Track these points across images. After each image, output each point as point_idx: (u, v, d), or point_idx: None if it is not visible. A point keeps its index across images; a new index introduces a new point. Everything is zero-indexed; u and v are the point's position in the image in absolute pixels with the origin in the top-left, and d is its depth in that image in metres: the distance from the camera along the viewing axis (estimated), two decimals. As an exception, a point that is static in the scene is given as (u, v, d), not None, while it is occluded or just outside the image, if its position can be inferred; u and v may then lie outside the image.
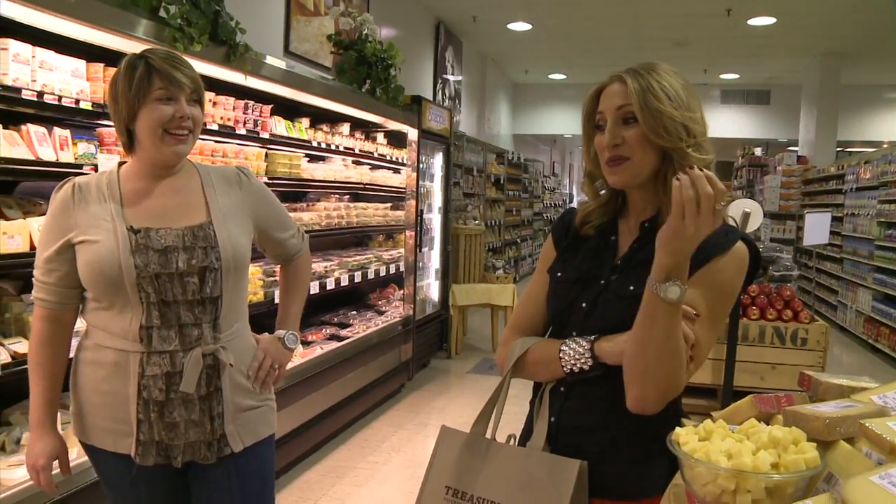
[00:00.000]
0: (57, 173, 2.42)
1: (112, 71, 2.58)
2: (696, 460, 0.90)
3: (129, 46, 2.59)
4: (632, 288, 1.27)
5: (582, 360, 1.27)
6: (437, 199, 6.40)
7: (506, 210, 11.38)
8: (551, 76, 13.51)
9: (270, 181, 3.68)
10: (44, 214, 2.41)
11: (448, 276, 6.56)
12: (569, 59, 11.74)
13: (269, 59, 3.45)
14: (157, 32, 2.51)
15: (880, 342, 7.22)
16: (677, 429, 1.01)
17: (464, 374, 6.08)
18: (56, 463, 1.67)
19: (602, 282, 1.34)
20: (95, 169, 2.46)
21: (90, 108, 2.43)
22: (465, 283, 6.69)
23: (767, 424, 1.02)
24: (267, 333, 1.82)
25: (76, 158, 2.44)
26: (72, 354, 1.68)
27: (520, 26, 9.39)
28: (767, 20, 8.74)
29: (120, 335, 1.57)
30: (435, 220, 6.38)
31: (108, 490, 1.70)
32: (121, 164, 1.68)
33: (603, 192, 1.40)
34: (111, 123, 2.56)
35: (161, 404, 1.57)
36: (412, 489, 3.69)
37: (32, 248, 2.25)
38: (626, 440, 1.29)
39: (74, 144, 2.45)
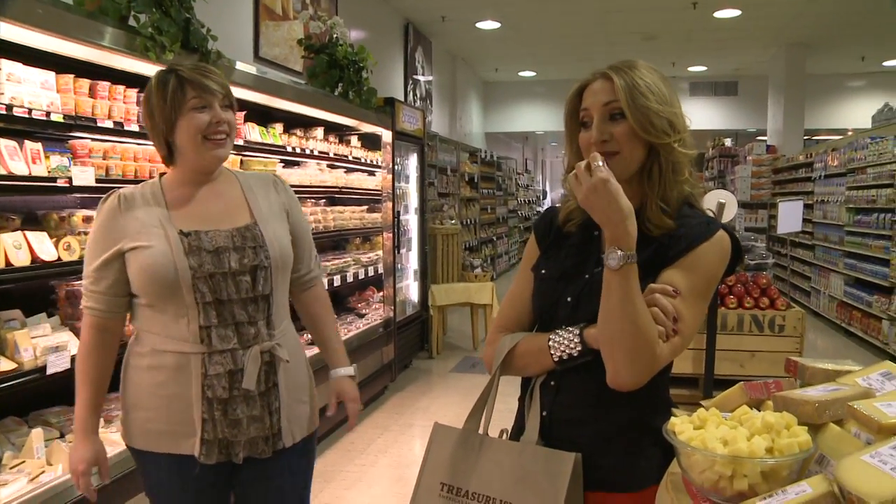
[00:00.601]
0: (29, 187, 2.39)
1: (83, 82, 2.57)
2: (694, 448, 0.93)
3: (100, 57, 2.57)
4: None
5: (571, 346, 1.29)
6: (413, 200, 6.40)
7: (481, 208, 11.41)
8: (521, 73, 13.59)
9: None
10: (16, 230, 2.41)
11: (427, 276, 6.58)
12: (538, 56, 11.81)
13: (241, 66, 3.43)
14: (127, 42, 2.49)
15: (853, 325, 7.38)
16: (672, 418, 1.03)
17: (446, 373, 6.10)
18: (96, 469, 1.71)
19: (587, 276, 1.36)
20: (69, 182, 2.44)
21: (61, 121, 2.40)
22: (444, 282, 6.71)
23: (758, 411, 1.05)
24: (339, 374, 1.95)
25: (49, 171, 2.40)
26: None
27: (488, 25, 9.43)
28: (733, 12, 8.89)
29: (179, 338, 1.61)
30: (412, 220, 6.38)
31: (155, 494, 1.72)
32: (160, 174, 1.75)
33: None
34: (83, 135, 2.62)
35: (224, 402, 1.62)
36: (401, 490, 3.76)
37: (8, 263, 2.22)
38: (618, 431, 1.31)
39: (47, 157, 2.41)
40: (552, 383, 1.37)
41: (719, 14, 8.96)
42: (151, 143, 1.70)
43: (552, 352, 1.31)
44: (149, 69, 2.76)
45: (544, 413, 1.36)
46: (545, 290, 1.42)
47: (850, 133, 11.08)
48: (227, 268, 1.62)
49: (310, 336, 2.11)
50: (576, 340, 1.29)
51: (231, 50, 3.38)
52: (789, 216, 5.39)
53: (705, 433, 0.95)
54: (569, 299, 1.36)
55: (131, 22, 2.59)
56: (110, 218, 1.64)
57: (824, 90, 13.05)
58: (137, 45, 2.44)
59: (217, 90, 1.64)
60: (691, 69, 12.93)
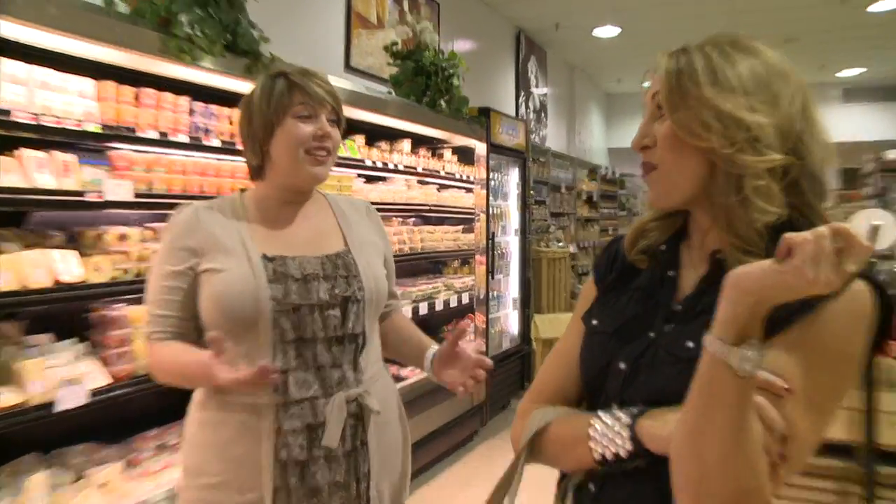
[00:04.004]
0: (57, 202, 2.29)
1: (126, 90, 2.48)
2: None
3: (140, 63, 2.48)
4: (691, 345, 0.95)
5: (618, 444, 0.95)
6: (513, 220, 6.10)
7: (601, 230, 10.93)
8: (647, 84, 12.97)
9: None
10: (56, 247, 2.32)
11: (529, 305, 6.23)
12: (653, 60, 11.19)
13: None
14: (164, 45, 2.36)
15: None
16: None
17: (548, 414, 5.68)
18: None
19: (651, 334, 1.02)
20: (100, 195, 2.32)
21: (98, 131, 2.30)
22: (550, 312, 6.37)
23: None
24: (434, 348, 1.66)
25: (81, 185, 2.30)
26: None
27: (607, 31, 8.97)
28: (890, 4, 7.94)
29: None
30: (512, 243, 6.07)
31: None
32: (242, 190, 1.64)
33: None
34: (123, 146, 2.52)
35: (302, 465, 1.43)
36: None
37: (24, 286, 2.11)
38: None
39: (80, 170, 2.31)
40: (591, 488, 1.03)
41: (873, 8, 8.03)
42: (242, 152, 1.60)
43: (592, 446, 0.98)
44: (203, 76, 2.67)
45: None
46: (594, 349, 1.09)
47: None
48: (315, 299, 1.47)
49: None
50: (624, 435, 0.94)
51: (321, 61, 3.26)
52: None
53: None
54: (622, 365, 1.02)
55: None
56: (184, 233, 1.50)
57: None
58: (172, 48, 2.30)
59: (327, 100, 1.54)
60: (843, 73, 11.77)
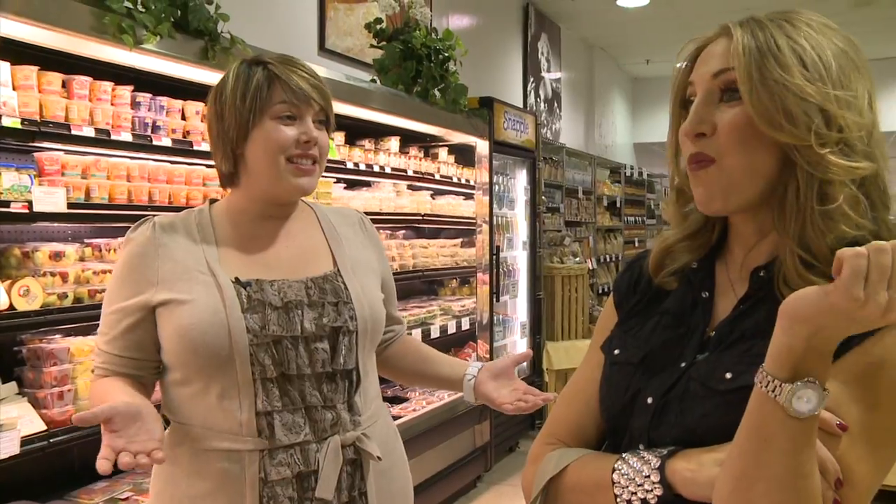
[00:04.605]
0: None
1: (53, 76, 2.47)
2: None
3: (68, 44, 2.46)
4: (729, 376, 0.97)
5: (646, 490, 0.97)
6: (521, 232, 6.14)
7: (625, 241, 10.97)
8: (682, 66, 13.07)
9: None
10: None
11: (540, 331, 6.29)
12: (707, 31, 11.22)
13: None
14: (99, 23, 2.36)
15: None
16: None
17: (564, 461, 5.72)
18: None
19: (683, 364, 1.04)
20: (29, 207, 2.32)
21: (17, 126, 2.29)
22: (565, 339, 6.42)
23: None
24: (475, 370, 1.73)
25: (2, 193, 2.30)
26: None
27: (634, 1, 9.03)
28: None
29: (228, 430, 1.45)
30: (519, 258, 6.12)
31: None
32: (212, 201, 1.66)
33: (692, 214, 1.13)
34: (52, 146, 2.52)
35: None
36: None
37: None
38: None
39: (-2, 175, 2.32)
40: None
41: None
42: (212, 154, 1.60)
43: (616, 491, 1.00)
44: (148, 61, 2.67)
45: None
46: (616, 382, 1.12)
47: None
48: (297, 330, 1.48)
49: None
50: (654, 480, 0.97)
51: (288, 41, 3.26)
52: None
53: None
54: (649, 400, 1.05)
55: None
56: (137, 258, 1.51)
57: None
58: (108, 25, 2.30)
59: (314, 98, 1.54)
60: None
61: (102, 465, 1.21)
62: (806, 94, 0.93)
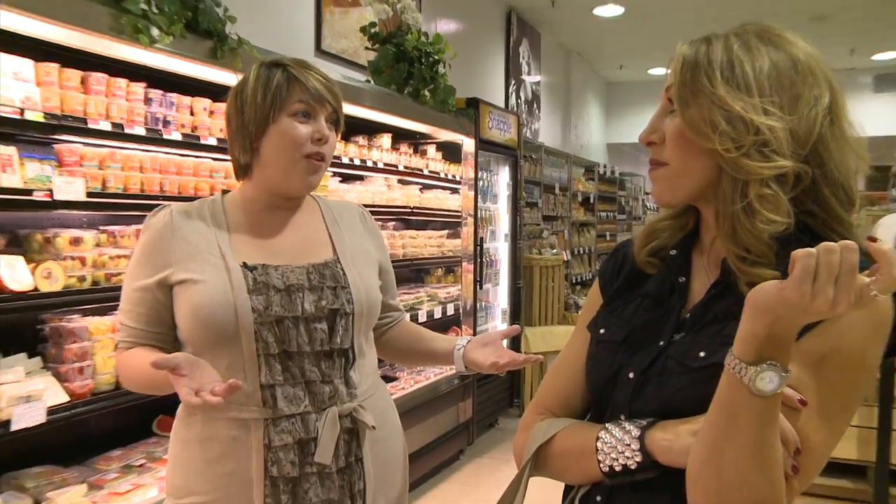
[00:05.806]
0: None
1: (72, 73, 2.49)
2: None
3: (87, 42, 2.47)
4: (703, 354, 1.02)
5: (627, 456, 1.03)
6: (503, 224, 6.18)
7: (598, 235, 11.02)
8: (652, 71, 13.10)
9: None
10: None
11: (519, 317, 6.34)
12: (673, 49, 11.29)
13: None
14: (117, 23, 2.38)
15: None
16: None
17: (541, 438, 5.78)
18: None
19: (661, 342, 1.09)
20: (51, 195, 2.34)
21: (41, 120, 2.31)
22: (542, 325, 6.46)
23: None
24: (462, 342, 1.77)
25: (25, 182, 2.32)
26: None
27: (609, 10, 9.09)
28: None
29: (235, 400, 1.48)
30: (501, 249, 6.16)
31: None
32: (224, 192, 1.70)
33: None
34: (71, 139, 2.53)
35: (294, 482, 1.51)
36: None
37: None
38: None
39: (22, 165, 2.33)
40: (598, 499, 1.10)
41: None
42: (228, 147, 1.64)
43: (599, 458, 1.06)
44: (160, 60, 2.69)
45: None
46: (601, 358, 1.17)
47: None
48: (299, 311, 1.54)
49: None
50: (634, 447, 1.03)
51: (286, 42, 3.28)
52: None
53: None
54: (630, 375, 1.10)
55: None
56: (156, 240, 1.57)
57: None
58: (125, 25, 2.32)
59: (328, 99, 1.59)
60: (877, 57, 11.78)
61: (192, 399, 1.29)
62: (726, 104, 0.97)
